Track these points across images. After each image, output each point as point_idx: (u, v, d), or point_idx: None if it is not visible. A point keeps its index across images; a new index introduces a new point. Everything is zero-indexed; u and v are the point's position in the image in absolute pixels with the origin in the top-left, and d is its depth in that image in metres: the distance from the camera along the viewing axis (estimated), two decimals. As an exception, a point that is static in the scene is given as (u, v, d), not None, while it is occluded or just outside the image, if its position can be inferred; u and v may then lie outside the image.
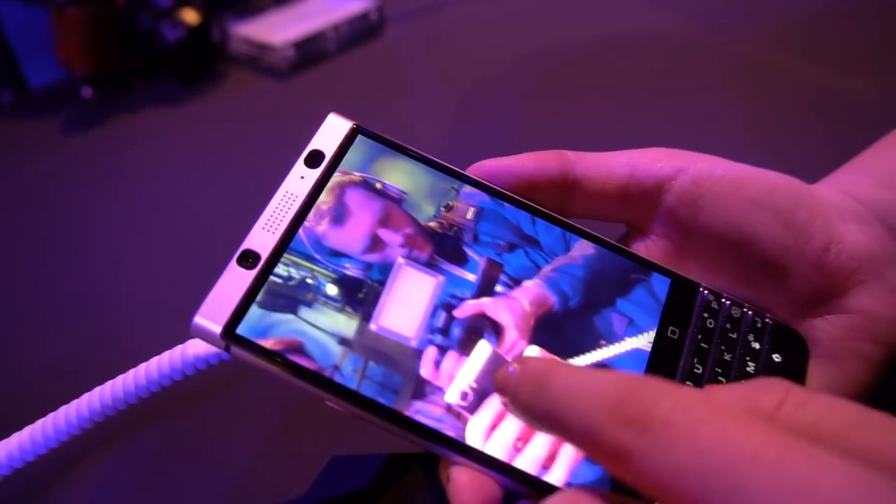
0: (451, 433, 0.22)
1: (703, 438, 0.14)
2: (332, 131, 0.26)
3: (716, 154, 0.27)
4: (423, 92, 0.57)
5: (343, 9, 0.64)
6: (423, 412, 0.22)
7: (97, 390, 0.25)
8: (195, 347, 0.25)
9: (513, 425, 0.21)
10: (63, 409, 0.25)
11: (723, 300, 0.25)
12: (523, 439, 0.21)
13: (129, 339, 0.30)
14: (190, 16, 0.59)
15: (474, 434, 0.21)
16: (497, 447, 0.21)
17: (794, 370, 0.25)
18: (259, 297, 0.23)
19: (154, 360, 0.25)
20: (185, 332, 0.26)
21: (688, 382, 0.24)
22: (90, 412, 0.24)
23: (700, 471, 0.14)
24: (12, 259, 0.47)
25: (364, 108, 0.55)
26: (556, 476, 0.21)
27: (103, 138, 0.58)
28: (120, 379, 0.25)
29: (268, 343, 0.22)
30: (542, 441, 0.21)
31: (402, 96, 0.57)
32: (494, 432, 0.21)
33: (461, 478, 0.21)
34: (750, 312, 0.25)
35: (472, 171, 0.26)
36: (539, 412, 0.17)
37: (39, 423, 0.25)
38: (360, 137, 0.26)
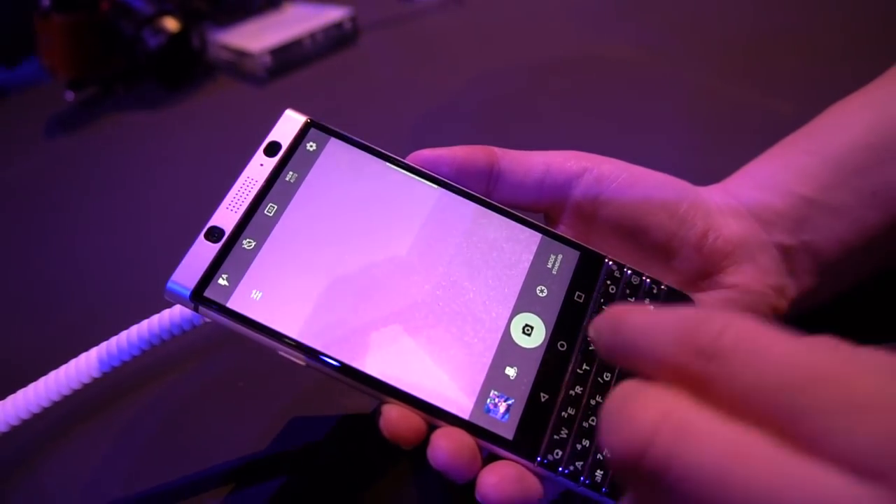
0: (384, 379, 0.25)
1: (777, 359, 0.15)
2: (288, 125, 0.29)
3: (649, 160, 0.31)
4: (393, 97, 0.60)
5: (318, 18, 0.67)
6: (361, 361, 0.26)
7: (92, 350, 0.27)
8: (171, 314, 0.27)
9: None
10: (54, 372, 0.27)
11: (625, 269, 0.29)
12: None
13: (110, 323, 0.32)
14: (171, 23, 0.62)
15: None
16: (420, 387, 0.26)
17: None
18: (222, 265, 0.26)
19: (135, 326, 0.27)
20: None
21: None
22: (86, 369, 0.27)
23: (782, 387, 0.15)
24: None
25: (337, 113, 0.58)
26: (465, 411, 0.25)
27: (86, 140, 0.60)
28: (112, 341, 0.27)
29: (229, 303, 0.26)
30: None
31: (373, 101, 0.60)
32: None
33: (392, 413, 0.25)
34: (648, 280, 0.29)
35: (410, 159, 0.30)
36: (616, 349, 0.19)
37: (34, 384, 0.27)
38: (312, 130, 0.30)
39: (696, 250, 0.29)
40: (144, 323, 0.28)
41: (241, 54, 0.65)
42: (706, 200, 0.30)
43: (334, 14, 0.67)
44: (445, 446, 0.24)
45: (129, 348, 0.27)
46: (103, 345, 0.28)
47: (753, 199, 0.31)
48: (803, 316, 0.32)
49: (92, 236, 0.50)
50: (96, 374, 0.27)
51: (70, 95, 0.63)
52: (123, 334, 0.28)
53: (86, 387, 0.28)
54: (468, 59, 0.63)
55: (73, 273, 0.47)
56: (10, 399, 0.27)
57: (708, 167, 0.34)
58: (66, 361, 0.30)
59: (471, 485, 0.24)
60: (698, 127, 0.49)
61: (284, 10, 0.71)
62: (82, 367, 0.27)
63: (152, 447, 0.34)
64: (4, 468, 0.34)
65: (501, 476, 0.24)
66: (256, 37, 0.66)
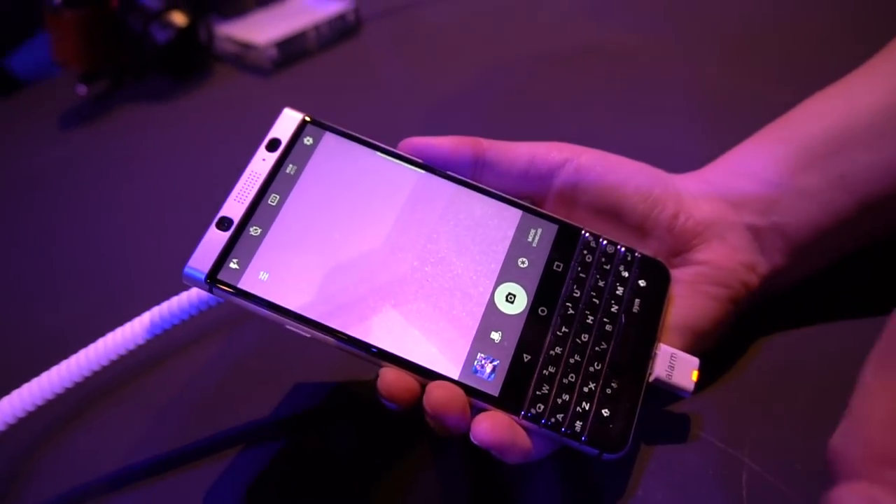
0: (380, 345, 0.28)
1: None
2: (286, 122, 0.32)
3: (649, 149, 0.34)
4: (395, 89, 0.62)
5: (322, 10, 0.69)
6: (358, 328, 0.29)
7: (113, 333, 0.30)
8: (189, 296, 0.30)
9: None
10: (77, 353, 0.30)
11: (601, 239, 0.32)
12: None
13: (127, 308, 0.35)
14: (178, 17, 0.64)
15: None
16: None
17: (656, 293, 0.31)
18: (233, 251, 0.29)
19: (157, 307, 0.30)
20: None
21: (567, 304, 0.30)
22: (112, 349, 0.29)
23: None
24: (15, 243, 0.52)
25: (341, 104, 0.60)
26: (454, 372, 0.28)
27: (98, 133, 0.62)
28: (135, 321, 0.30)
29: (240, 284, 0.29)
30: None
31: (377, 93, 0.61)
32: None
33: (388, 375, 0.27)
34: (623, 248, 0.31)
35: (401, 145, 0.32)
36: None
37: (62, 363, 0.30)
38: (308, 126, 0.32)
39: (667, 231, 0.31)
40: (165, 304, 0.30)
41: (247, 47, 0.67)
42: (678, 186, 0.32)
43: (337, 6, 0.69)
44: (439, 393, 0.27)
45: (151, 328, 0.30)
46: (128, 325, 0.30)
47: (725, 184, 0.32)
48: (777, 296, 0.34)
49: (108, 223, 0.52)
50: (123, 351, 0.30)
51: (82, 89, 0.65)
52: (146, 314, 0.30)
53: (113, 363, 0.30)
54: (471, 50, 0.64)
55: (88, 259, 0.49)
56: (46, 374, 0.29)
57: (707, 155, 0.35)
58: (88, 340, 0.32)
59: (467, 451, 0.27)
60: (698, 116, 0.50)
61: (288, 2, 0.72)
62: (117, 339, 0.30)
63: (173, 416, 0.37)
64: (40, 437, 0.36)
65: (495, 421, 0.27)
66: (261, 29, 0.67)
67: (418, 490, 0.32)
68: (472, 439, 0.27)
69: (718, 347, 0.32)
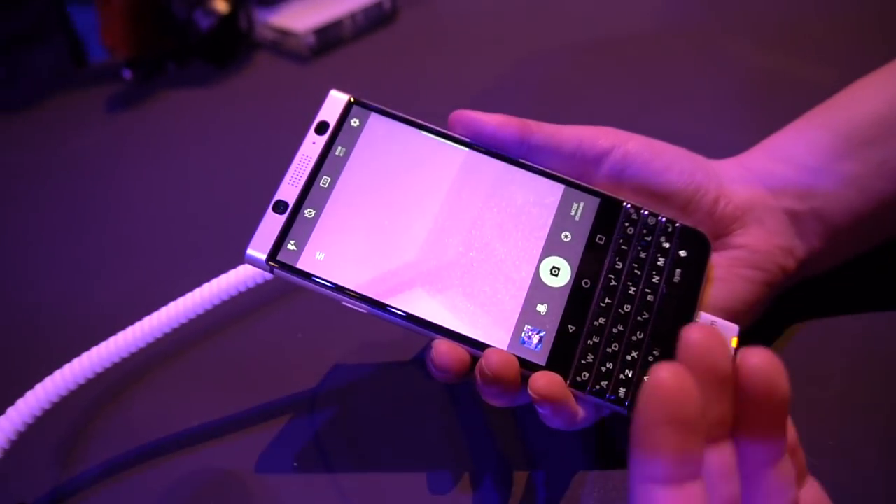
0: (432, 318, 0.30)
1: None
2: (333, 104, 0.33)
3: (688, 134, 0.35)
4: (431, 77, 0.63)
5: (359, -2, 0.70)
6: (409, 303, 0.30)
7: (169, 305, 0.31)
8: (245, 270, 0.32)
9: None
10: (135, 324, 0.32)
11: (642, 211, 0.32)
12: None
13: (176, 282, 0.36)
14: (221, 5, 0.65)
15: None
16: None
17: (697, 262, 0.32)
18: (290, 233, 0.31)
19: (214, 280, 0.32)
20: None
21: (610, 276, 0.31)
22: (167, 320, 0.31)
23: None
24: (63, 222, 0.54)
25: (376, 92, 0.61)
26: (503, 343, 0.30)
27: (143, 116, 0.64)
28: (196, 292, 0.31)
29: (299, 264, 0.30)
30: None
31: (412, 81, 0.63)
32: None
33: (441, 346, 0.29)
34: (663, 219, 0.32)
35: (453, 115, 0.33)
36: None
37: (120, 333, 0.31)
38: (354, 108, 0.33)
39: (708, 215, 0.32)
40: (223, 276, 0.32)
41: (286, 34, 0.68)
42: (718, 172, 0.33)
43: (374, -6, 0.70)
44: (496, 358, 0.28)
45: (209, 300, 0.32)
46: (187, 295, 0.32)
47: (765, 169, 0.33)
48: (813, 279, 0.34)
49: (152, 203, 0.54)
50: (184, 320, 0.31)
51: (128, 73, 0.67)
52: (206, 286, 0.32)
53: (174, 331, 0.32)
54: (507, 39, 0.65)
55: (135, 238, 0.51)
56: (115, 337, 0.31)
57: (747, 142, 0.36)
58: (140, 315, 0.34)
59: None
60: (737, 102, 0.51)
61: (325, -10, 0.74)
62: (179, 309, 0.31)
63: (223, 386, 0.39)
64: (101, 401, 0.39)
65: (551, 378, 0.28)
66: (300, 17, 0.69)
67: (451, 460, 0.33)
68: (529, 392, 0.28)
69: (754, 328, 0.33)
